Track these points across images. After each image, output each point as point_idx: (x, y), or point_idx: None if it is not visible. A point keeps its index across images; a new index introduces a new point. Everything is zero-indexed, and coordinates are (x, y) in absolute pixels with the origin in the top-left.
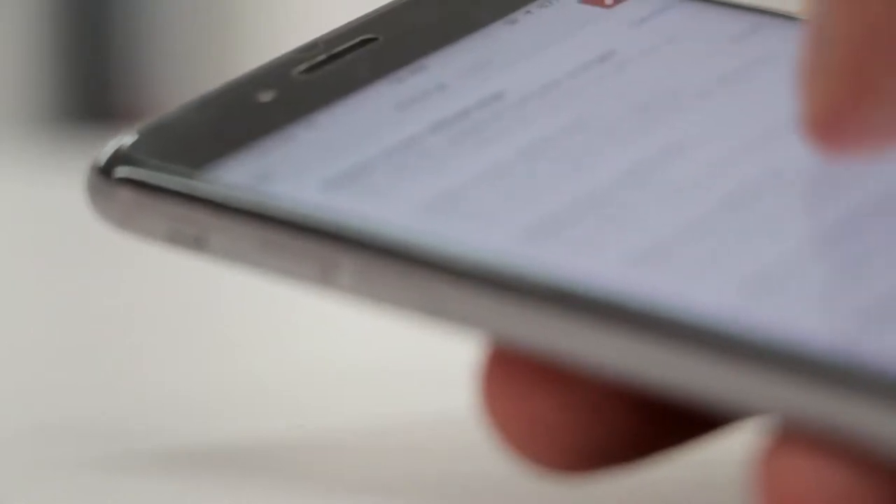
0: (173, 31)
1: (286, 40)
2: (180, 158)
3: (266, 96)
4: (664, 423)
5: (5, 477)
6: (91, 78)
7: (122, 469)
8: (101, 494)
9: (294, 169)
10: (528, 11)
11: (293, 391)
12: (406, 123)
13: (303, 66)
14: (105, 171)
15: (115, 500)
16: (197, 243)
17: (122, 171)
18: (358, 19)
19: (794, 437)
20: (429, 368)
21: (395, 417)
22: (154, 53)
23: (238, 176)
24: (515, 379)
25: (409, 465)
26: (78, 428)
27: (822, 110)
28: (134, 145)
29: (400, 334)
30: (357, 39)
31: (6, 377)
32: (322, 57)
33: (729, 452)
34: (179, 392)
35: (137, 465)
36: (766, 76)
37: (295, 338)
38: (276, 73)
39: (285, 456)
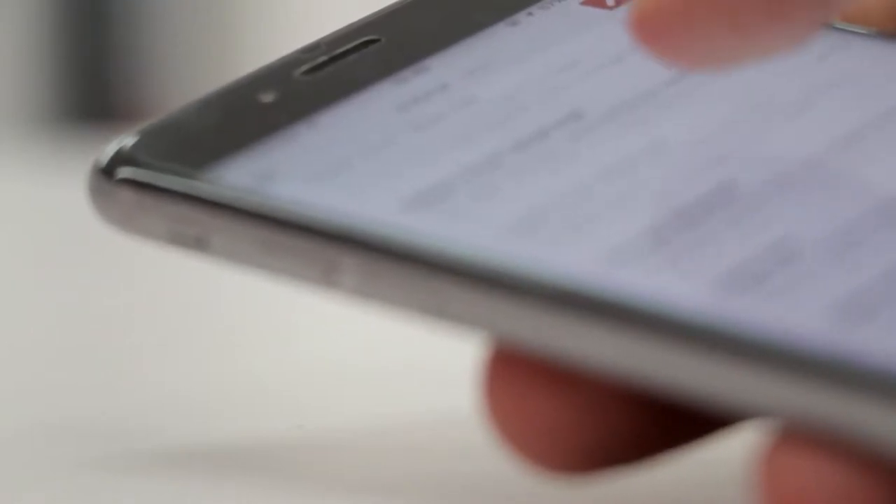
0: (173, 31)
1: (287, 41)
2: (182, 159)
3: (268, 97)
4: (666, 423)
5: (5, 477)
6: (91, 78)
7: (122, 469)
8: (101, 494)
9: (296, 170)
10: (530, 13)
11: (293, 391)
12: (407, 124)
13: (305, 67)
14: (107, 172)
15: (115, 500)
16: (198, 244)
17: (123, 172)
18: (360, 20)
19: (794, 436)
20: (430, 368)
21: (395, 417)
22: (154, 53)
23: (240, 177)
24: (517, 379)
25: (410, 465)
26: (78, 428)
27: (651, 8)
28: (135, 146)
29: (400, 335)
30: (359, 40)
31: (6, 377)
32: (324, 58)
33: (729, 452)
34: (179, 392)
35: (137, 465)
36: (756, 72)
37: (295, 338)
38: (278, 74)
39: (285, 456)
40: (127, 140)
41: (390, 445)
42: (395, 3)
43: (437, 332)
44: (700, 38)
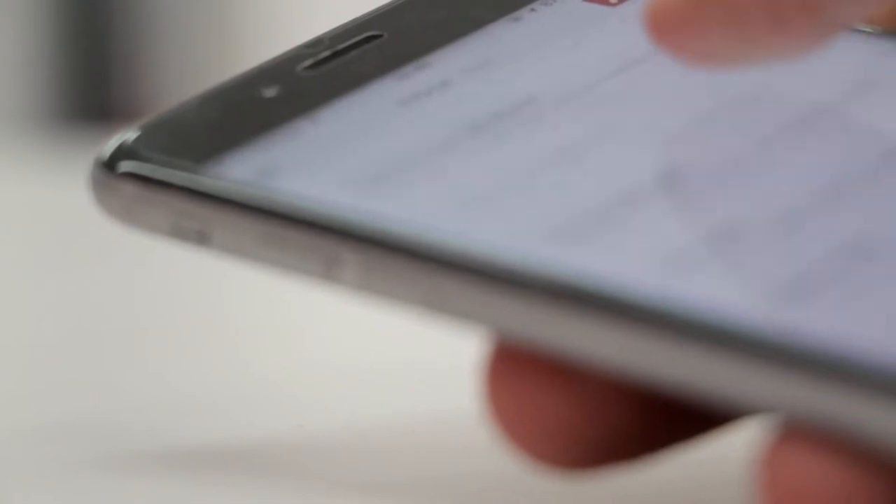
0: (173, 32)
1: (287, 42)
2: (184, 153)
3: (270, 92)
4: (668, 419)
5: (5, 477)
6: (91, 78)
7: (122, 469)
8: (101, 494)
9: (297, 164)
10: (533, 9)
11: (293, 391)
12: (408, 120)
13: (307, 62)
14: (108, 166)
15: (115, 500)
16: (200, 238)
17: (125, 166)
18: (363, 16)
19: (796, 434)
20: (430, 368)
21: (395, 417)
22: (154, 53)
23: (241, 171)
24: (519, 375)
25: (410, 464)
26: (78, 428)
27: (663, 6)
28: (137, 140)
29: (401, 334)
30: (362, 36)
31: (6, 377)
32: (327, 53)
33: (730, 450)
34: (180, 392)
35: (137, 465)
36: (770, 73)
37: (295, 338)
38: (281, 69)
39: (285, 456)
40: (129, 134)
41: (390, 445)
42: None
43: (438, 329)
44: (707, 38)
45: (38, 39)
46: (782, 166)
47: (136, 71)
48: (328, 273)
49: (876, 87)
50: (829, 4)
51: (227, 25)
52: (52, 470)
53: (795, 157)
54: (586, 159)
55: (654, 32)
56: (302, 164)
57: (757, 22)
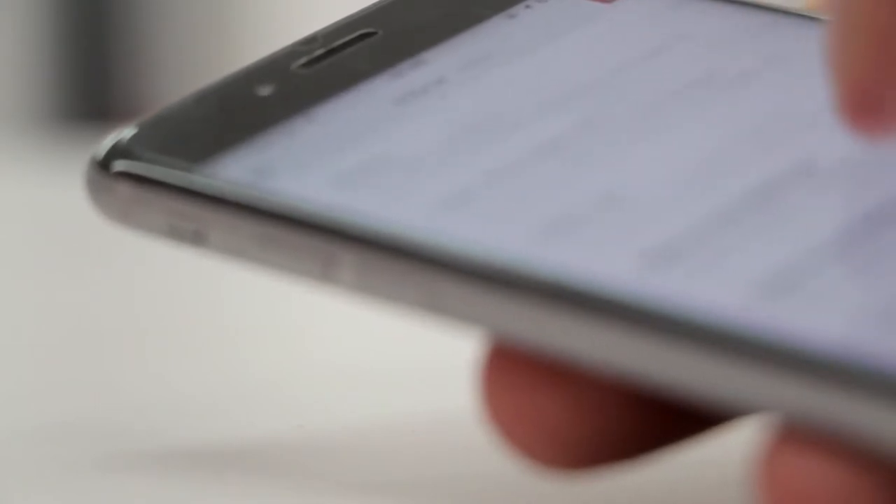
0: (173, 32)
1: (287, 41)
2: (179, 152)
3: (265, 90)
4: (666, 419)
5: (5, 477)
6: (91, 78)
7: (122, 469)
8: (101, 494)
9: (293, 164)
10: (528, 6)
11: (293, 391)
12: (404, 118)
13: (302, 60)
14: (104, 165)
15: (115, 500)
16: (196, 238)
17: (120, 165)
18: (357, 13)
19: (795, 435)
20: (429, 368)
21: (395, 417)
22: (154, 53)
23: (237, 170)
24: (516, 376)
25: (410, 464)
26: (78, 428)
27: (855, 90)
28: (133, 139)
29: (400, 334)
30: (356, 33)
31: (6, 377)
32: (321, 51)
33: (730, 450)
34: (179, 392)
35: (137, 465)
36: (771, 74)
37: (295, 338)
38: (275, 67)
39: (285, 456)
40: (124, 133)
41: (390, 445)
42: None
43: (435, 329)
44: None
45: (38, 39)
46: (771, 163)
47: (136, 71)
48: (324, 273)
49: None
50: None
51: (227, 25)
52: (52, 470)
53: (786, 153)
54: (583, 157)
55: (857, 122)
56: (297, 163)
57: None
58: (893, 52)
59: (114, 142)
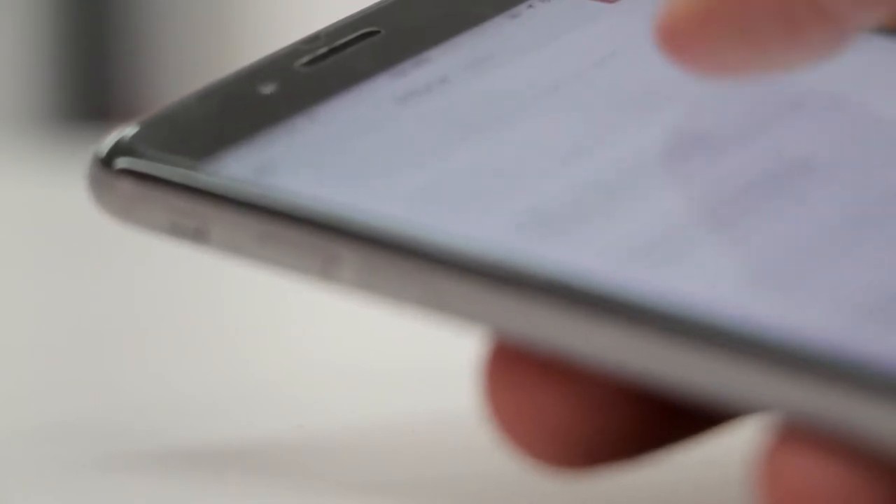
0: (173, 32)
1: (287, 41)
2: (181, 150)
3: (268, 88)
4: (667, 418)
5: (5, 477)
6: (91, 78)
7: (122, 469)
8: (101, 494)
9: (295, 161)
10: (531, 6)
11: (293, 391)
12: (406, 117)
13: (305, 59)
14: (106, 162)
15: (115, 500)
16: (197, 235)
17: (122, 163)
18: (360, 12)
19: (796, 434)
20: (430, 368)
21: (395, 417)
22: (154, 53)
23: (239, 168)
24: (518, 374)
25: (410, 464)
26: (78, 428)
27: (673, 18)
28: (135, 136)
29: (400, 334)
30: (359, 32)
31: (6, 377)
32: (324, 49)
33: (730, 450)
34: (179, 392)
35: (137, 465)
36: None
37: (295, 338)
38: (278, 66)
39: (285, 456)
40: (126, 131)
41: (390, 445)
42: None
43: (438, 328)
44: (720, 50)
45: (38, 39)
46: (770, 158)
47: (136, 71)
48: (326, 271)
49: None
50: (843, 11)
51: (227, 25)
52: (52, 470)
53: (784, 151)
54: (586, 155)
55: (666, 46)
56: (299, 161)
57: (770, 31)
58: None
59: (116, 139)
